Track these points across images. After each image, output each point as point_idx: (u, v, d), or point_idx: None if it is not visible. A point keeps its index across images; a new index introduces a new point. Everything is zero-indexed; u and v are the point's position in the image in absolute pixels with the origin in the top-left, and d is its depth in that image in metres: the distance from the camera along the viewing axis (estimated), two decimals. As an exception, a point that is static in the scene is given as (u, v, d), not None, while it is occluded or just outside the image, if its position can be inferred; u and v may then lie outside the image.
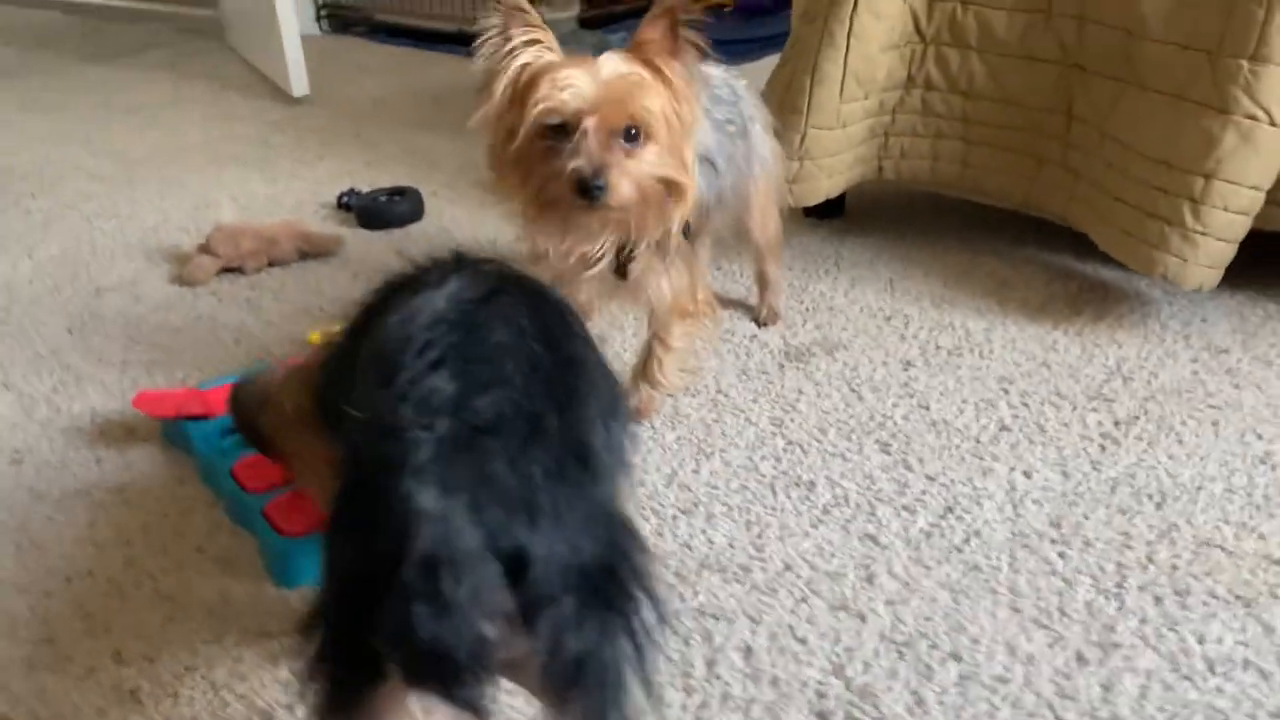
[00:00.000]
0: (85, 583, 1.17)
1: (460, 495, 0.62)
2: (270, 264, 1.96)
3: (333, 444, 0.86)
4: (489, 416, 0.66)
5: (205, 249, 1.95)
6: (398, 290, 0.82)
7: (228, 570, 1.18)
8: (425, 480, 0.62)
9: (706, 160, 1.30)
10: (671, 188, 1.18)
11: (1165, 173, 1.48)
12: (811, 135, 1.72)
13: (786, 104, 1.71)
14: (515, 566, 0.62)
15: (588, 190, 1.11)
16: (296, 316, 1.78)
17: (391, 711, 0.64)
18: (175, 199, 2.35)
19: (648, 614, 0.67)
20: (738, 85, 1.46)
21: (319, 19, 4.15)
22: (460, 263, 0.82)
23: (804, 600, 1.08)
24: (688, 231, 1.28)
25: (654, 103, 1.14)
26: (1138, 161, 1.52)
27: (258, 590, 1.15)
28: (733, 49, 3.16)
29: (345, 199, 2.22)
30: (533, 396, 0.69)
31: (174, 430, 1.40)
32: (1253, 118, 1.41)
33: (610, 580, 0.66)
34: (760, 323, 1.67)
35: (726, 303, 1.70)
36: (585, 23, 3.64)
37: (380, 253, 2.02)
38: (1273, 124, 1.41)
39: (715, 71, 1.46)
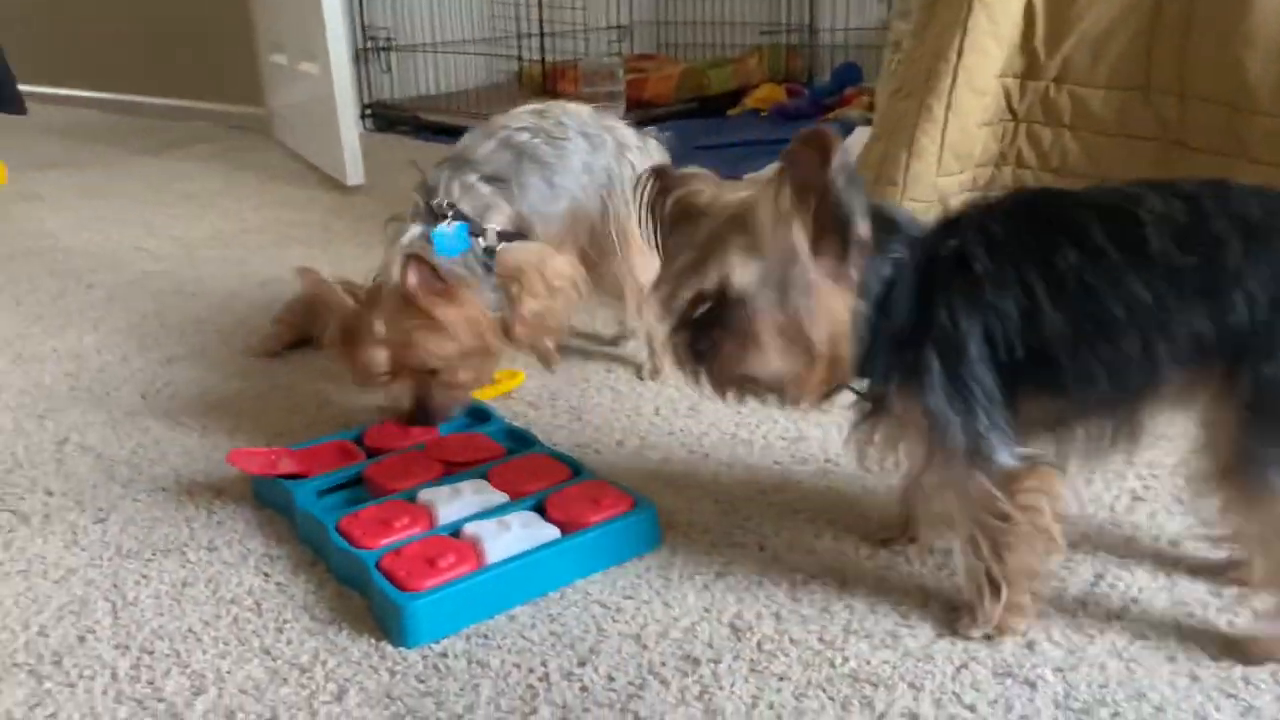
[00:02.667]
0: (186, 642, 1.10)
1: None
2: (345, 336, 1.92)
3: None
4: None
5: (281, 320, 1.92)
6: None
7: (338, 630, 1.11)
8: None
9: (497, 179, 1.60)
10: None
11: None
12: (908, 208, 1.70)
13: (883, 177, 1.70)
14: None
15: None
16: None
17: None
18: (240, 277, 2.33)
19: None
20: (615, 130, 1.71)
21: (363, 117, 4.22)
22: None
23: (964, 666, 1.01)
24: None
25: None
26: (1251, 233, 1.49)
27: (372, 650, 1.08)
28: (770, 148, 3.21)
29: (415, 277, 2.20)
30: None
31: (268, 488, 1.35)
32: (1375, 186, 1.39)
33: None
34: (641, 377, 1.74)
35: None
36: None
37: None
38: (1396, 192, 1.39)
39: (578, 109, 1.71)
